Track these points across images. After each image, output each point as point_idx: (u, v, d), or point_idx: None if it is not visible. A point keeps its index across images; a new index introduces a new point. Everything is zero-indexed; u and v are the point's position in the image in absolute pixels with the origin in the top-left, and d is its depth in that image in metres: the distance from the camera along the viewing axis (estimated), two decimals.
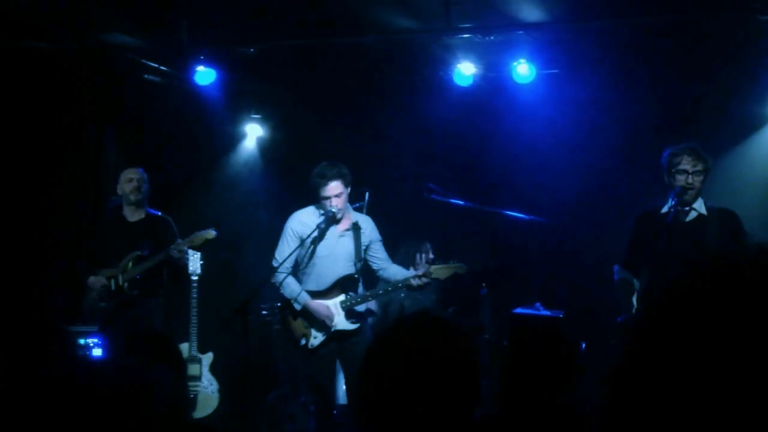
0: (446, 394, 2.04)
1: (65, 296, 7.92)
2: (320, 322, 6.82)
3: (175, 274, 7.61)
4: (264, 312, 7.89)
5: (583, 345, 7.08)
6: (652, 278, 6.25)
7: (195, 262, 7.61)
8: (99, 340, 6.97)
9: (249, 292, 6.50)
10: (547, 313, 7.28)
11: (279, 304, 7.57)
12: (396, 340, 2.15)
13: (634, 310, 6.28)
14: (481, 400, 2.15)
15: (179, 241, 7.48)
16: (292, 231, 6.92)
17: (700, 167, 6.14)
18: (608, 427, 1.13)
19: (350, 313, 6.82)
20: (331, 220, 6.83)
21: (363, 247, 6.92)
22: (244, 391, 6.59)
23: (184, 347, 7.58)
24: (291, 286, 6.91)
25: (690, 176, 6.13)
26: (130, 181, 7.70)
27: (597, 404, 1.20)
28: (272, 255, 7.01)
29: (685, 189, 6.12)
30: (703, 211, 6.25)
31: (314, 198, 6.89)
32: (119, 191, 7.76)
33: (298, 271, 7.02)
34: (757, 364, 1.02)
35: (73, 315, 7.53)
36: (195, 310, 7.56)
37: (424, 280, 6.72)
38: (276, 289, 6.99)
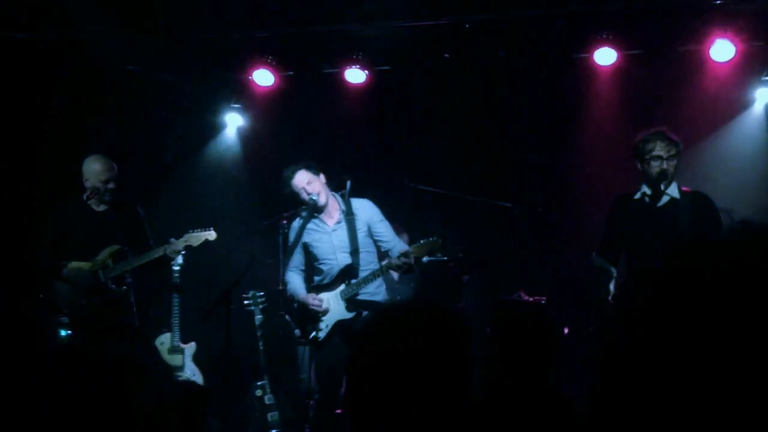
0: (438, 384, 2.04)
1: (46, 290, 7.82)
2: (317, 314, 6.86)
3: (158, 264, 7.43)
4: (246, 301, 7.88)
5: (566, 331, 7.13)
6: (629, 265, 6.29)
7: None
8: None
9: (231, 281, 6.50)
10: (530, 299, 7.31)
11: (261, 293, 7.58)
12: (382, 330, 2.14)
13: (610, 297, 6.31)
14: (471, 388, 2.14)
15: (172, 240, 7.14)
16: (292, 238, 7.04)
17: (673, 152, 6.16)
18: (599, 413, 1.14)
19: (351, 303, 6.84)
20: (313, 208, 6.86)
21: (363, 233, 6.93)
22: (227, 380, 6.59)
23: (167, 337, 7.56)
24: (289, 284, 7.01)
25: (664, 162, 6.15)
26: (106, 182, 7.15)
27: (588, 391, 1.21)
28: (254, 244, 7.06)
29: (661, 174, 6.15)
30: (676, 195, 6.26)
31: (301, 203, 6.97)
32: (87, 184, 7.19)
33: (312, 270, 7.10)
34: (748, 347, 1.02)
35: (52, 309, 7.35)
36: (177, 300, 7.54)
37: (404, 260, 6.73)
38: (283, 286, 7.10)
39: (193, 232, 7.20)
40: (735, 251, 1.07)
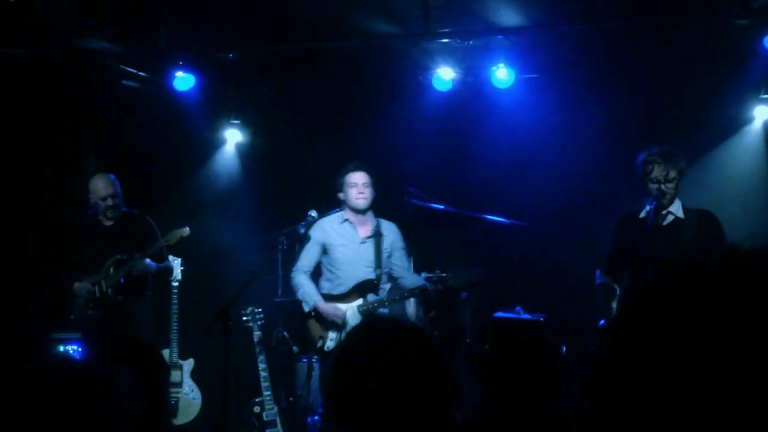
0: (415, 397, 2.04)
1: (46, 304, 7.84)
2: (332, 324, 6.88)
3: (157, 277, 7.57)
4: (244, 318, 7.86)
5: (564, 349, 7.11)
6: (631, 283, 6.26)
7: (175, 268, 7.59)
8: (79, 347, 6.99)
9: (229, 297, 6.49)
10: (528, 316, 7.29)
11: (259, 309, 7.55)
12: (355, 348, 2.16)
13: (613, 316, 6.27)
14: (459, 401, 2.15)
15: (137, 254, 7.34)
16: (313, 237, 7.10)
17: (673, 174, 6.13)
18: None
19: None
20: (357, 212, 7.03)
21: (386, 254, 7.01)
22: (225, 397, 6.57)
23: (165, 353, 7.55)
24: (303, 288, 7.05)
25: (663, 185, 6.12)
26: (104, 199, 7.46)
27: (577, 409, 1.21)
28: (253, 260, 7.08)
29: (660, 196, 6.14)
30: (681, 214, 6.24)
31: (336, 203, 7.16)
32: (92, 201, 7.55)
33: (321, 276, 7.16)
34: (731, 366, 1.02)
35: (54, 322, 7.46)
36: (175, 316, 7.55)
37: (440, 286, 6.82)
38: (293, 292, 7.19)
39: (169, 232, 7.41)
40: (721, 275, 1.08)
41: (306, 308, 7.01)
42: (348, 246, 7.01)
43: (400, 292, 6.97)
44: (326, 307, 6.92)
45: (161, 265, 7.55)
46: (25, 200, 8.48)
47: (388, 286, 7.11)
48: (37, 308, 7.84)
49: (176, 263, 7.63)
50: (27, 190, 8.50)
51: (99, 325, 7.27)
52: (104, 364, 1.83)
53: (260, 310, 7.63)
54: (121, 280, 7.38)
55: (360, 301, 6.91)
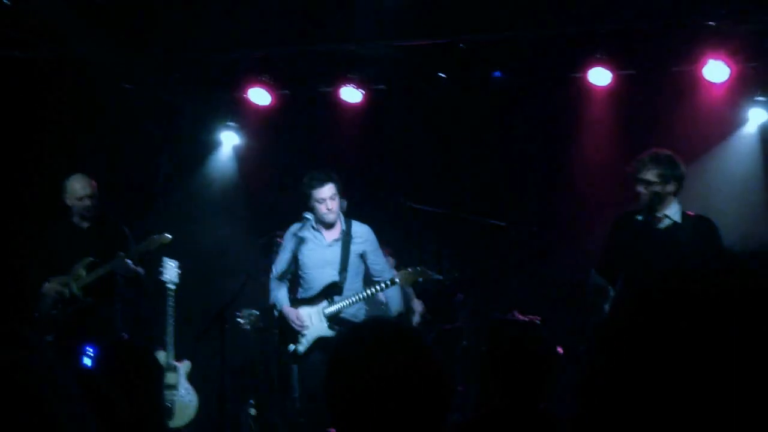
0: (408, 399, 2.05)
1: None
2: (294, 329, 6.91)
3: (129, 280, 7.55)
4: (240, 320, 7.87)
5: (561, 351, 7.11)
6: (625, 286, 6.23)
7: (172, 271, 7.57)
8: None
9: (226, 300, 6.50)
10: (525, 318, 7.30)
11: (256, 311, 7.58)
12: (349, 351, 2.16)
13: (604, 318, 6.25)
14: (453, 403, 2.16)
15: (120, 254, 7.32)
16: (284, 244, 7.08)
17: (660, 178, 6.08)
18: None
19: (334, 320, 6.85)
20: (322, 224, 6.92)
21: (355, 255, 6.98)
22: (221, 399, 6.57)
23: (161, 355, 7.53)
24: (272, 293, 7.06)
25: (650, 186, 6.09)
26: (81, 199, 7.44)
27: (573, 411, 1.21)
28: (248, 262, 7.09)
29: (648, 198, 6.11)
30: (678, 218, 6.19)
31: (305, 207, 6.99)
32: (68, 202, 7.50)
33: (296, 280, 7.14)
34: (726, 369, 1.03)
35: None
36: (171, 318, 7.52)
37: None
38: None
39: (149, 237, 7.39)
40: (713, 280, 1.08)
41: (275, 313, 7.04)
42: (315, 250, 6.97)
43: (364, 291, 6.95)
44: (287, 311, 6.94)
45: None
46: (21, 202, 8.47)
47: (357, 287, 7.06)
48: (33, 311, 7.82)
49: (172, 266, 7.61)
50: (23, 192, 8.49)
51: (65, 327, 7.22)
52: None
53: (255, 312, 7.65)
54: (90, 282, 7.33)
55: (325, 303, 6.91)
